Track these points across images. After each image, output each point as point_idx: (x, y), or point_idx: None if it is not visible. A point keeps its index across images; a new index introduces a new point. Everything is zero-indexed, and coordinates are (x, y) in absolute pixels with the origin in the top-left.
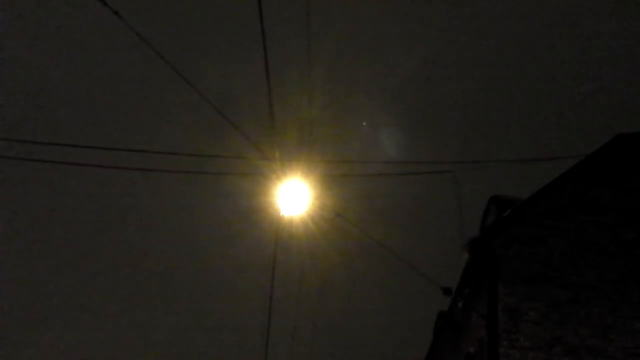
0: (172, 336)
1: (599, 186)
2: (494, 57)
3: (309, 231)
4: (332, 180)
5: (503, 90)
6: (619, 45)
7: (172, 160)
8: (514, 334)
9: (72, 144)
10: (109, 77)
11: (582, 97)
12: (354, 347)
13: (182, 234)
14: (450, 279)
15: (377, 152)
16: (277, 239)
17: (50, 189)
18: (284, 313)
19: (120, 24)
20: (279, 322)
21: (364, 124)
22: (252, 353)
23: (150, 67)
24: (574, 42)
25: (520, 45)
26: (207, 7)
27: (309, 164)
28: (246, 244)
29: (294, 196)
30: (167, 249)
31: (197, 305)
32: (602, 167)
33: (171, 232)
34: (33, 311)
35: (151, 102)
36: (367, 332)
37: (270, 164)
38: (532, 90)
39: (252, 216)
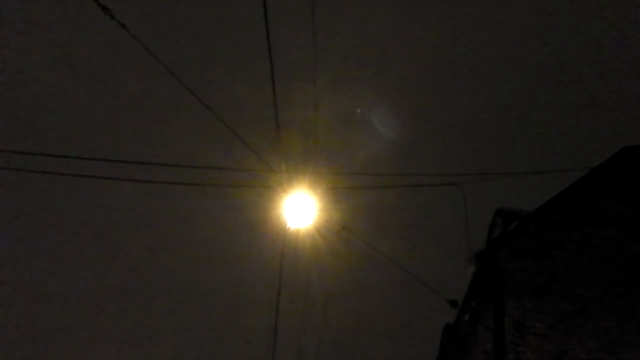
0: (176, 349)
1: (604, 199)
2: (500, 70)
3: (315, 244)
4: (339, 192)
5: (509, 103)
6: (626, 57)
7: (178, 173)
8: (520, 347)
9: (77, 155)
10: (114, 88)
11: (587, 110)
12: (360, 359)
13: (188, 246)
14: (457, 292)
15: (384, 164)
16: (284, 252)
17: (55, 202)
18: (290, 326)
19: (126, 35)
20: (285, 335)
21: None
22: None
23: (156, 78)
24: (580, 54)
25: (526, 57)
26: (213, 19)
27: (315, 176)
28: (252, 257)
29: (300, 209)
30: (173, 261)
31: (203, 317)
32: (607, 179)
33: (177, 244)
34: (36, 323)
35: (156, 113)
36: (373, 344)
37: (276, 176)
38: (537, 103)
39: (258, 229)
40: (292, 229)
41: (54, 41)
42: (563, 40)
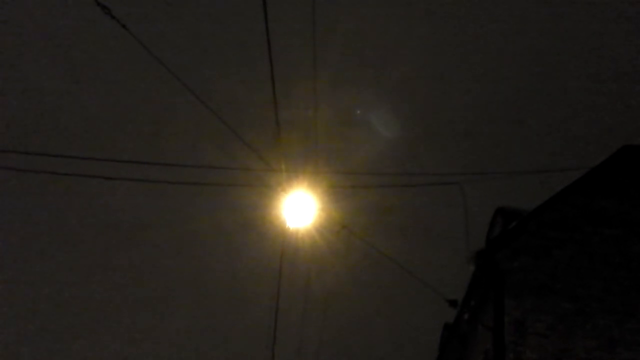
0: (176, 348)
1: (604, 198)
2: (500, 70)
3: (315, 243)
4: (338, 191)
5: (509, 102)
6: (625, 57)
7: (177, 172)
8: (520, 346)
9: (74, 155)
10: (113, 87)
11: (588, 109)
12: (360, 359)
13: (187, 246)
14: (457, 291)
15: (384, 163)
16: (283, 252)
17: (52, 201)
18: (290, 326)
19: (126, 35)
20: (284, 335)
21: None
22: None
23: (155, 78)
24: (581, 54)
25: (527, 57)
26: (213, 19)
27: (315, 175)
28: (251, 257)
29: (299, 208)
30: (172, 262)
31: (202, 318)
32: (607, 178)
33: (175, 244)
34: (36, 322)
35: (155, 113)
36: (373, 344)
37: (275, 175)
38: (537, 102)
39: (257, 228)
40: (291, 228)
41: (54, 41)
42: (563, 39)
